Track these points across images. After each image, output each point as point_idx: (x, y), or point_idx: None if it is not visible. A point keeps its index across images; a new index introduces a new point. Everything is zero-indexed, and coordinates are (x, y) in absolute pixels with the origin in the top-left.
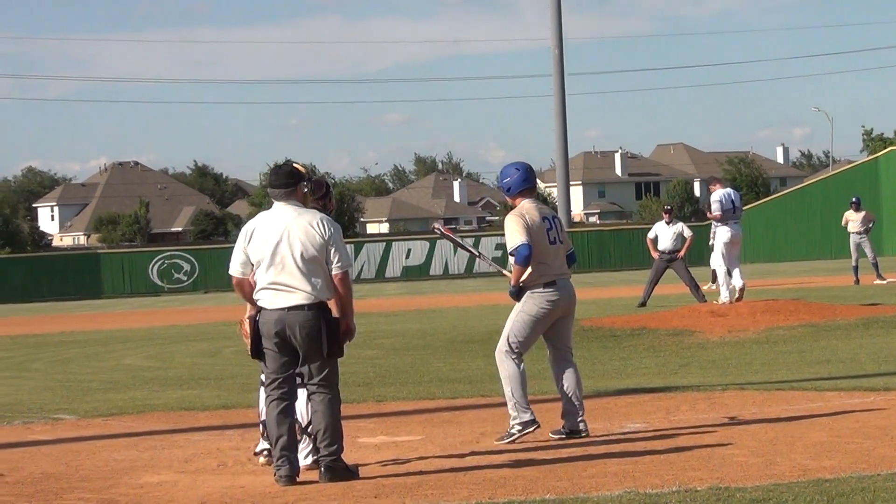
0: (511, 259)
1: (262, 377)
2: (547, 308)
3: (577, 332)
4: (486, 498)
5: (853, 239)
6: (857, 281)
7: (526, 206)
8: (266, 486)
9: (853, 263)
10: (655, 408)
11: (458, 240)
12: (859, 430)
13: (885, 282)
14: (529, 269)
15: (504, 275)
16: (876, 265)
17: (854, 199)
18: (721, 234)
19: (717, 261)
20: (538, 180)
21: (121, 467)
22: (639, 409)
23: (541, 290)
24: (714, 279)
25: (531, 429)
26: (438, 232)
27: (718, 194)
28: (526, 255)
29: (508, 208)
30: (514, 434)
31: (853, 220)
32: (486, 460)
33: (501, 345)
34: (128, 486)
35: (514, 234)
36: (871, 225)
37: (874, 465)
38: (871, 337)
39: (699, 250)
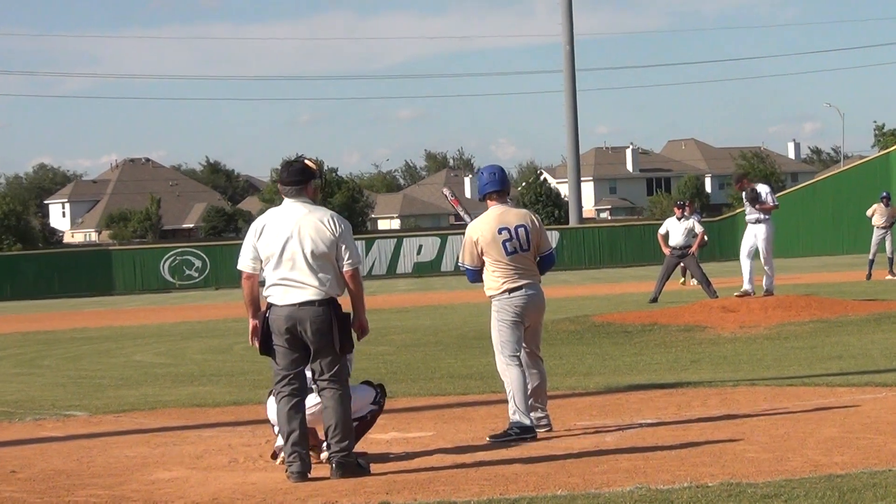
0: None
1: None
2: (513, 311)
3: (588, 328)
4: (498, 494)
5: (877, 233)
6: (870, 276)
7: (486, 217)
8: (277, 482)
9: (870, 256)
10: (667, 403)
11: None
12: (871, 426)
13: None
14: (485, 281)
15: None
16: (892, 260)
17: (885, 194)
18: (769, 229)
19: (768, 258)
20: (549, 176)
21: (132, 464)
22: (650, 405)
23: (506, 296)
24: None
25: (528, 436)
26: (448, 194)
27: (764, 187)
28: (471, 279)
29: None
30: (510, 436)
31: (880, 213)
32: (497, 456)
33: (497, 357)
34: (139, 483)
35: (463, 251)
36: (894, 221)
37: (886, 460)
38: (882, 332)
39: (711, 246)
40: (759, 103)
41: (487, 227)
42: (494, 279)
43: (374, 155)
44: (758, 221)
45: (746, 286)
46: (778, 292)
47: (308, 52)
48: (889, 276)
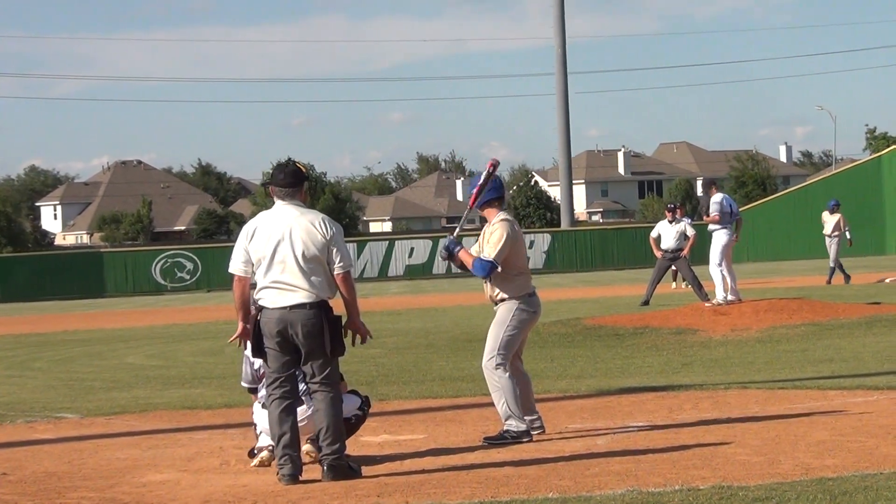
0: (481, 258)
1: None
2: (530, 318)
3: (580, 331)
4: (489, 496)
5: (826, 241)
6: (848, 277)
7: (511, 218)
8: (269, 484)
9: (831, 264)
10: (658, 406)
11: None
12: (862, 429)
13: (851, 283)
14: (509, 283)
15: (454, 232)
16: (832, 270)
17: (830, 203)
18: (720, 238)
19: (714, 265)
20: (541, 178)
21: (123, 466)
22: (642, 408)
23: (526, 300)
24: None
25: (525, 439)
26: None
27: (719, 197)
28: (487, 275)
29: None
30: (506, 439)
31: (828, 222)
32: (488, 459)
33: (489, 359)
34: (130, 485)
35: (502, 249)
36: (846, 228)
37: (877, 463)
38: (873, 336)
39: (702, 249)
40: (750, 107)
41: (519, 230)
42: (521, 280)
43: (366, 157)
44: (714, 230)
45: (729, 296)
46: (769, 295)
47: (301, 55)
48: (834, 283)
